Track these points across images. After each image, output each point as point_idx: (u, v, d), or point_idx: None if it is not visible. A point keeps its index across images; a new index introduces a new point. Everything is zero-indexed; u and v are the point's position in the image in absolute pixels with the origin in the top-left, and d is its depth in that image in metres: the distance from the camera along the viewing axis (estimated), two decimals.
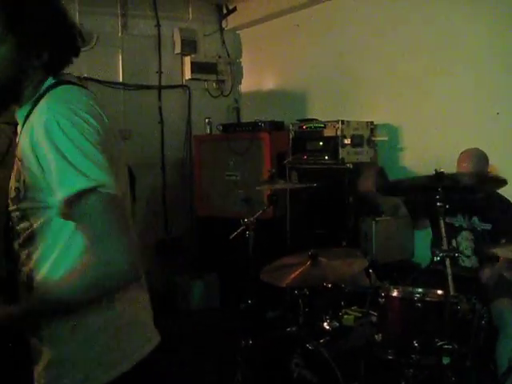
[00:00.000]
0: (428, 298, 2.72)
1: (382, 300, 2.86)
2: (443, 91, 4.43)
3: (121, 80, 5.81)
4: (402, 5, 4.72)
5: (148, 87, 6.01)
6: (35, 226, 1.46)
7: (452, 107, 4.37)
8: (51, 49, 1.47)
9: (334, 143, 4.68)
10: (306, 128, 4.96)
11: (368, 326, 3.08)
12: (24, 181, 1.42)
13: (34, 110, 1.43)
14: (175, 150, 6.17)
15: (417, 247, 4.59)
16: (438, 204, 2.60)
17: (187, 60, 6.18)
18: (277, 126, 5.49)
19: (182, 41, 6.11)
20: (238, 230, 3.80)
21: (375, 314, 3.05)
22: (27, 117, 1.46)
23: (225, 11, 6.47)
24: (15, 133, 3.80)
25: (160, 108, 6.03)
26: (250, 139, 5.40)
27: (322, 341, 3.06)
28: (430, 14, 4.51)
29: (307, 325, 3.34)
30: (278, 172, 4.59)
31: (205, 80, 6.37)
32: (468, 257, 3.73)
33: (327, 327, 3.24)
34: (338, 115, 4.84)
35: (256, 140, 5.38)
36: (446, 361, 2.49)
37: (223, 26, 6.54)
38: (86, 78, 5.57)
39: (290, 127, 5.12)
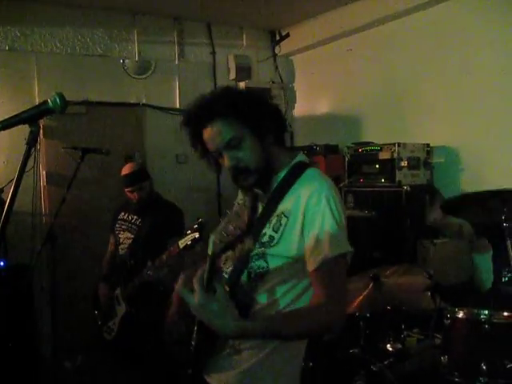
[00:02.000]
0: (495, 320, 2.69)
1: (447, 322, 2.83)
2: (500, 111, 4.40)
3: (178, 106, 5.93)
4: (457, 26, 4.71)
5: None
6: (271, 267, 1.82)
7: (510, 127, 4.32)
8: (274, 130, 1.90)
9: (390, 166, 4.70)
10: (362, 151, 4.99)
11: (432, 348, 3.06)
12: (282, 233, 1.80)
13: (301, 180, 1.86)
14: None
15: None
16: (505, 225, 2.58)
17: (242, 85, 6.26)
18: (331, 150, 5.54)
19: (237, 67, 6.23)
20: None
21: (439, 336, 3.03)
22: (284, 184, 1.87)
23: (278, 37, 6.59)
24: (82, 158, 3.94)
25: None
26: None
27: (385, 362, 3.05)
28: (484, 34, 4.50)
29: (369, 346, 3.33)
30: None
31: None
32: None
33: (390, 349, 3.23)
34: (392, 138, 4.86)
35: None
36: None
37: (276, 51, 6.65)
38: (144, 105, 5.74)
39: (346, 150, 5.16)
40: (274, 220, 1.84)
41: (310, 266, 1.75)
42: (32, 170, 4.64)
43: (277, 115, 1.94)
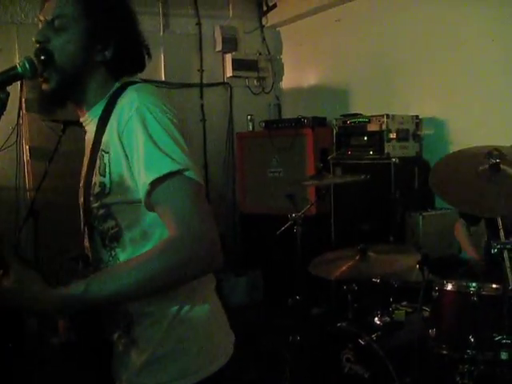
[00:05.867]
0: (484, 292, 2.66)
1: (435, 294, 2.81)
2: (490, 82, 4.34)
3: (163, 78, 5.83)
4: None
5: (190, 85, 6.03)
6: (122, 224, 1.47)
7: (500, 99, 4.27)
8: (115, 48, 1.53)
9: (378, 138, 4.64)
10: (350, 123, 4.93)
11: (420, 320, 3.04)
12: (110, 174, 1.44)
13: (117, 106, 1.47)
14: (217, 147, 6.19)
15: None
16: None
17: (228, 57, 6.20)
18: (320, 122, 5.47)
19: (223, 38, 6.13)
20: (286, 225, 3.78)
21: (428, 309, 3.01)
22: (104, 114, 1.50)
23: (265, 8, 6.47)
24: (64, 131, 3.84)
25: (202, 106, 6.07)
26: (292, 135, 5.39)
27: (373, 336, 3.03)
28: (473, 5, 4.43)
29: (357, 320, 3.31)
30: (322, 166, 4.58)
31: (246, 77, 6.38)
32: None
33: (378, 322, 3.21)
34: (381, 110, 4.79)
35: (299, 136, 5.37)
36: (504, 356, 2.43)
37: (263, 23, 6.54)
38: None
39: (334, 122, 5.10)
40: (98, 162, 1.47)
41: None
42: (15, 145, 4.62)
43: (135, 43, 1.58)
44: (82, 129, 4.11)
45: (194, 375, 1.51)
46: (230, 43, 6.19)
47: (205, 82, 6.12)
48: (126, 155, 1.40)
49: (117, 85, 1.55)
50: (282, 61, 6.64)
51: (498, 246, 2.42)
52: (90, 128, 1.57)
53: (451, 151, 4.64)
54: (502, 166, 2.50)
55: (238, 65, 6.21)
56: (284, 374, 3.47)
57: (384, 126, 4.59)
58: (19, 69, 1.44)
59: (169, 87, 5.84)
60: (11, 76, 1.45)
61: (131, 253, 1.47)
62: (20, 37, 5.13)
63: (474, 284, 2.72)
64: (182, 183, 1.35)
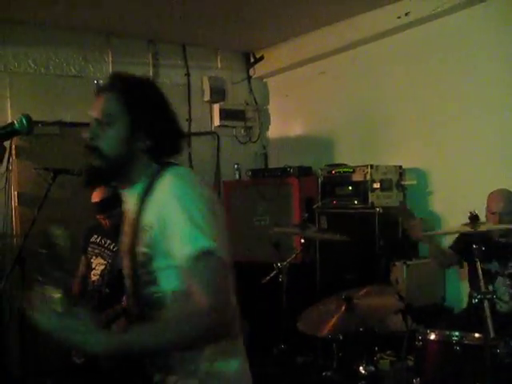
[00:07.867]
0: (466, 341, 2.71)
1: (419, 343, 2.85)
2: (471, 135, 4.47)
3: None
4: (427, 51, 4.81)
5: None
6: (166, 289, 1.66)
7: (480, 150, 4.40)
8: (155, 137, 1.73)
9: (363, 188, 4.73)
10: (335, 173, 5.02)
11: (405, 370, 3.07)
12: (153, 246, 1.63)
13: (157, 186, 1.67)
14: None
15: (447, 292, 4.58)
16: (474, 246, 2.60)
17: (216, 107, 6.30)
18: (305, 171, 5.55)
19: (211, 89, 6.24)
20: (272, 274, 3.82)
21: (412, 358, 3.04)
22: (144, 195, 1.69)
23: (252, 60, 6.63)
24: (54, 179, 3.86)
25: (190, 154, 6.12)
26: (278, 184, 5.46)
27: None
28: (456, 60, 4.59)
29: (342, 369, 3.33)
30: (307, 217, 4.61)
31: (233, 127, 6.49)
32: (506, 302, 3.60)
33: (363, 371, 3.23)
34: (365, 160, 4.91)
35: (285, 185, 5.44)
36: None
37: (251, 74, 6.68)
38: None
39: (319, 172, 5.20)
40: (141, 235, 1.67)
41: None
42: (3, 191, 4.65)
43: (172, 132, 1.78)
44: (70, 177, 4.14)
45: None
46: (218, 93, 6.29)
47: (193, 130, 6.18)
48: (165, 229, 1.58)
49: (154, 169, 1.73)
50: (269, 111, 6.77)
51: (479, 297, 2.48)
52: (129, 201, 1.77)
53: (433, 201, 4.78)
54: None
55: (225, 114, 6.31)
56: None
57: (368, 176, 4.69)
58: (17, 125, 1.52)
59: None
60: (9, 132, 1.52)
61: None
62: (12, 85, 5.21)
63: (456, 333, 2.77)
64: (211, 261, 1.53)
